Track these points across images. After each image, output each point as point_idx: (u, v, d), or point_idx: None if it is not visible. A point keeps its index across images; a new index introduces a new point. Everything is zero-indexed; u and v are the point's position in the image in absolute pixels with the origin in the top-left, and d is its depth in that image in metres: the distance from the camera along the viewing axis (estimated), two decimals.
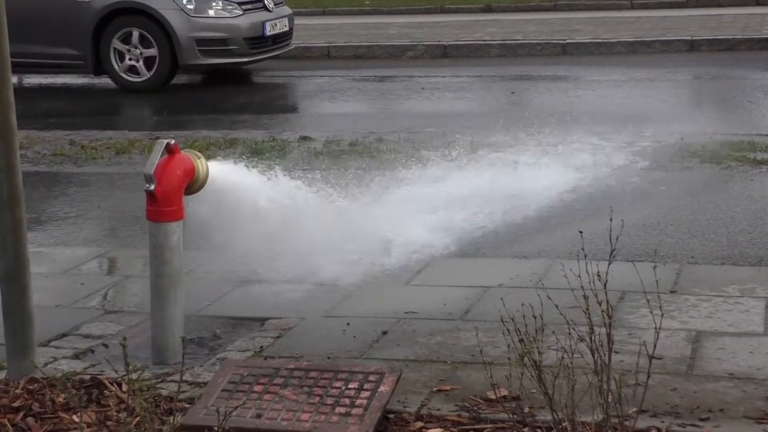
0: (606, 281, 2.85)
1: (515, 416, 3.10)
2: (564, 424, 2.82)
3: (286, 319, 4.27)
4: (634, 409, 2.90)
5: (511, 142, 6.96)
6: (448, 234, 5.21)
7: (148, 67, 11.42)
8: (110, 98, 11.50)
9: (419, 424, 3.24)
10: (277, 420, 3.22)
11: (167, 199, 3.79)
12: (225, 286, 4.69)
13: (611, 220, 3.07)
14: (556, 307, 3.04)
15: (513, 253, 5.07)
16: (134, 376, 2.95)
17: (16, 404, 3.41)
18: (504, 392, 3.24)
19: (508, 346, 2.87)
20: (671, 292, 4.36)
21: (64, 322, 4.33)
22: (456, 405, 3.35)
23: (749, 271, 4.69)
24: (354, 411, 3.23)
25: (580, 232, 3.38)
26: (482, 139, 7.03)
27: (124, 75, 11.48)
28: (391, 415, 3.29)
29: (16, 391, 3.50)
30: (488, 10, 17.56)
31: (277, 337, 4.08)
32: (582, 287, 2.87)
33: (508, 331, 2.86)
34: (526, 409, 3.20)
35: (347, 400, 3.29)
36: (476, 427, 3.20)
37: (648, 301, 3.53)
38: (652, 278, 3.35)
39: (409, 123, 8.78)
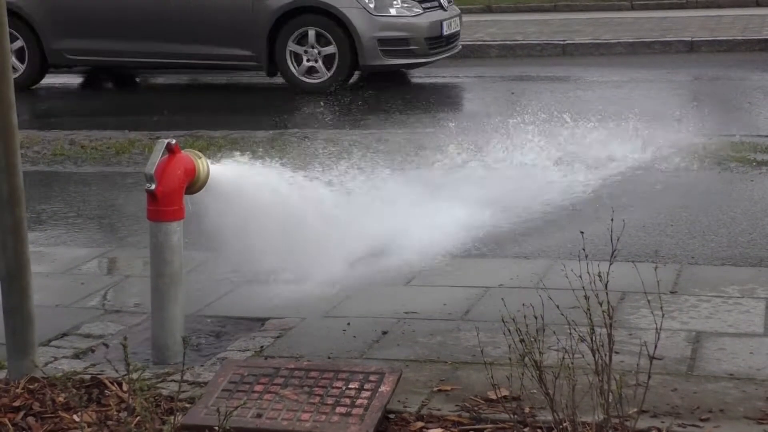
0: (607, 282, 2.86)
1: (516, 416, 3.10)
2: (564, 425, 2.82)
3: (286, 319, 4.27)
4: (635, 410, 2.90)
5: (511, 142, 6.95)
6: (447, 234, 5.20)
7: (326, 68, 10.81)
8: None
9: (420, 424, 3.24)
10: (278, 420, 3.22)
11: (168, 199, 3.79)
12: (225, 286, 4.69)
13: (612, 220, 3.07)
14: (557, 307, 3.04)
15: (513, 253, 5.08)
16: (135, 375, 2.94)
17: (16, 404, 3.41)
18: (504, 392, 3.24)
19: (509, 347, 2.87)
20: (672, 292, 4.36)
21: (65, 322, 4.33)
22: (456, 405, 3.35)
23: (749, 271, 4.69)
24: (354, 411, 3.23)
25: (581, 232, 3.38)
26: (481, 139, 7.03)
27: (299, 76, 10.88)
28: (392, 415, 3.29)
29: (17, 390, 3.50)
30: (488, 10, 17.54)
31: (278, 337, 4.08)
32: (583, 287, 2.87)
33: (509, 331, 2.86)
34: (527, 410, 3.20)
35: (348, 400, 3.29)
36: (477, 427, 3.20)
37: (648, 301, 3.53)
38: (653, 279, 3.36)
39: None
